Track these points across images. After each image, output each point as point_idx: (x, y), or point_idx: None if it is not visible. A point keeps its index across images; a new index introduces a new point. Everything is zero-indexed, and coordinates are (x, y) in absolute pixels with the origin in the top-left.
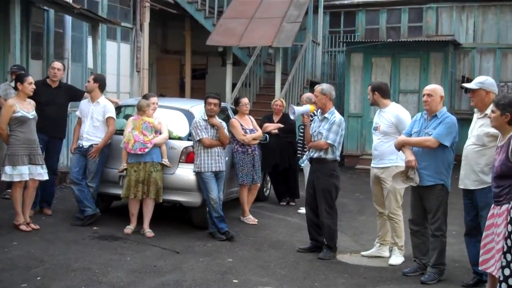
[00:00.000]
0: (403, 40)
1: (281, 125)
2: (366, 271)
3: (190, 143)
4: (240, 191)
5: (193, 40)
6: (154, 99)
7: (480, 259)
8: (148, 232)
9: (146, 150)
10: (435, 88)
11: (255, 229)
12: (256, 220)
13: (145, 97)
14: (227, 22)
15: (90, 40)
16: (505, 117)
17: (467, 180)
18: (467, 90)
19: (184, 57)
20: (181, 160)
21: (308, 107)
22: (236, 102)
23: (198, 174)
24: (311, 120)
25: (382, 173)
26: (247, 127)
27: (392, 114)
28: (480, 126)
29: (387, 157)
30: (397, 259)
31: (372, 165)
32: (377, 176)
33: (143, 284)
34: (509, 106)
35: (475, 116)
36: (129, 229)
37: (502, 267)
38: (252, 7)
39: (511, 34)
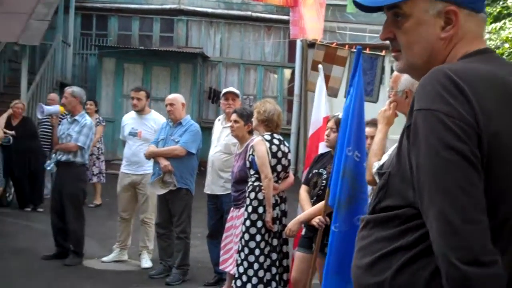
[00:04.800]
0: (154, 48)
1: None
2: (113, 275)
3: None
4: None
5: None
6: None
7: (221, 259)
8: None
9: None
10: (175, 97)
11: None
12: None
13: None
14: None
15: None
16: (248, 127)
17: (214, 186)
18: (214, 100)
19: None
20: None
21: (57, 108)
22: None
23: None
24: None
25: (141, 180)
26: None
27: (155, 121)
28: (228, 135)
29: (147, 164)
30: (148, 262)
31: (125, 171)
32: (133, 182)
33: None
34: (251, 117)
35: (219, 124)
36: None
37: (237, 265)
38: None
39: (253, 51)
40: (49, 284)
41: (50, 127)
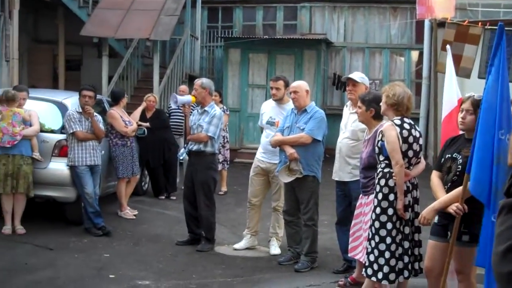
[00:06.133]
0: (278, 37)
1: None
2: (243, 261)
3: (63, 136)
4: (118, 185)
5: (67, 30)
6: (22, 94)
7: (349, 247)
8: (20, 229)
9: (15, 142)
10: (299, 85)
11: (133, 223)
12: (134, 214)
13: (16, 89)
14: (102, 12)
15: None
16: (370, 112)
17: (342, 172)
18: (338, 86)
19: (57, 47)
20: (54, 154)
21: (189, 98)
22: (118, 94)
23: (72, 168)
24: (191, 113)
25: (275, 169)
26: (126, 119)
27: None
28: (354, 121)
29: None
30: (277, 248)
31: (260, 157)
32: (267, 169)
33: (12, 283)
34: (373, 102)
35: (347, 111)
36: (7, 229)
37: (368, 253)
38: None
39: (378, 34)
40: (183, 268)
41: (181, 117)
